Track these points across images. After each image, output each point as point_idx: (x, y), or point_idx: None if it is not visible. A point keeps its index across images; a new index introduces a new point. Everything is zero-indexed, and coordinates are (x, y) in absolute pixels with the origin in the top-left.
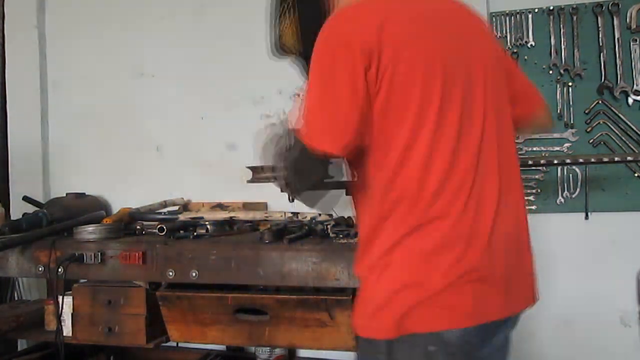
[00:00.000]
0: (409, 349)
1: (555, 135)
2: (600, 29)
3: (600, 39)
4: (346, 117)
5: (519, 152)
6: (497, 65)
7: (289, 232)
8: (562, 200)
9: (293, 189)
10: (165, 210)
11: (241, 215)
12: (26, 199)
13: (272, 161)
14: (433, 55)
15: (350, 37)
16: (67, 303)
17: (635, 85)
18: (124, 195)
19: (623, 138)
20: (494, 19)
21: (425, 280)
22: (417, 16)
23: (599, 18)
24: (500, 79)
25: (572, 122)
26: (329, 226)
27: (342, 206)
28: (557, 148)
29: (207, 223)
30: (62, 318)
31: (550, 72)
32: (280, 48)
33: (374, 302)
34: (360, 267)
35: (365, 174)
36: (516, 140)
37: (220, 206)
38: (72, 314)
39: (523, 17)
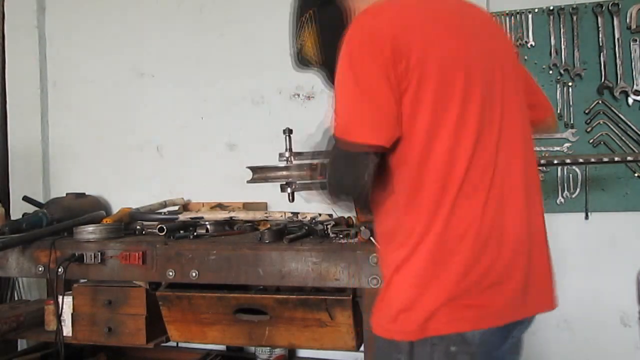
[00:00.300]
0: (431, 349)
1: (555, 135)
2: (600, 29)
3: (600, 39)
4: (388, 109)
5: None
6: (515, 67)
7: (289, 232)
8: (562, 200)
9: (336, 199)
10: (165, 210)
11: (241, 215)
12: (26, 199)
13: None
14: (456, 55)
15: (379, 32)
16: (67, 303)
17: (635, 85)
18: (124, 195)
19: (623, 138)
20: (494, 19)
21: (449, 282)
22: (440, 17)
23: (599, 18)
24: (518, 80)
25: (572, 122)
26: (329, 226)
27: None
28: (557, 148)
29: (207, 223)
30: (62, 318)
31: (550, 72)
32: (302, 60)
33: (397, 304)
34: (385, 266)
35: (386, 170)
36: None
37: (220, 206)
38: (72, 314)
39: (523, 17)
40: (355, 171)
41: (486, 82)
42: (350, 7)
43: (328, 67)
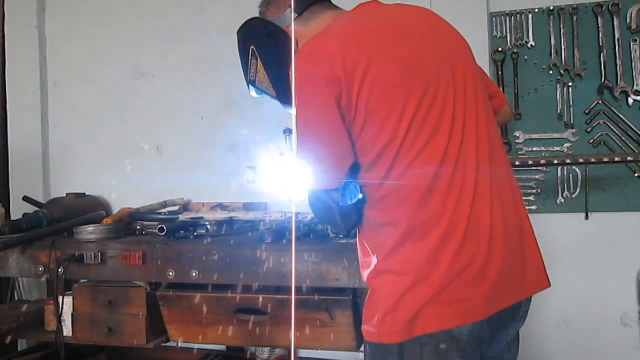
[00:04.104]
0: (420, 349)
1: (555, 135)
2: (600, 29)
3: (600, 39)
4: (339, 149)
5: (520, 153)
6: (471, 62)
7: (289, 232)
8: (562, 200)
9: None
10: (165, 210)
11: (241, 215)
12: (26, 199)
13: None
14: (407, 65)
15: (313, 73)
16: (67, 303)
17: (635, 85)
18: (124, 195)
19: (623, 138)
20: (494, 19)
21: (430, 279)
22: (380, 30)
23: (599, 18)
24: (476, 74)
25: (572, 122)
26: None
27: None
28: (557, 148)
29: (207, 223)
30: (62, 318)
31: (550, 72)
32: (258, 90)
33: (382, 307)
34: (365, 273)
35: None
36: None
37: (220, 206)
38: (72, 314)
39: (523, 17)
40: (328, 215)
41: (441, 83)
42: (293, 35)
43: (282, 95)
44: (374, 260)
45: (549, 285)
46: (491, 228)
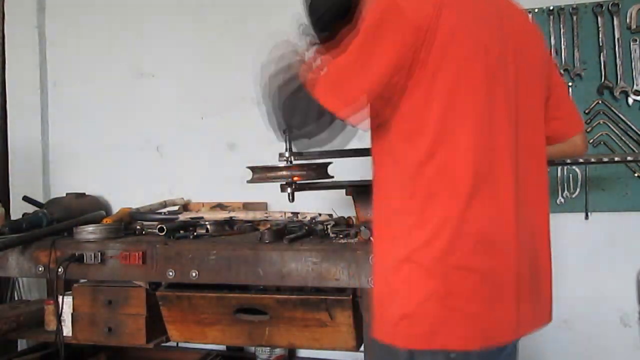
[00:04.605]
0: (431, 357)
1: None
2: (600, 29)
3: (600, 39)
4: (361, 90)
5: None
6: (539, 72)
7: (289, 232)
8: (562, 200)
9: (277, 125)
10: (165, 210)
11: (241, 215)
12: (26, 199)
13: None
14: (483, 48)
15: (407, 8)
16: (67, 303)
17: (635, 85)
18: (124, 195)
19: (623, 138)
20: None
21: (454, 293)
22: (474, 5)
23: (599, 18)
24: (540, 86)
25: None
26: (329, 226)
27: (342, 205)
28: None
29: (207, 223)
30: (62, 318)
31: None
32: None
33: (400, 309)
34: (385, 260)
35: (393, 150)
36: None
37: (220, 206)
38: (72, 314)
39: None
40: (309, 116)
41: (508, 82)
42: None
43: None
44: (396, 249)
45: (551, 320)
46: (520, 247)
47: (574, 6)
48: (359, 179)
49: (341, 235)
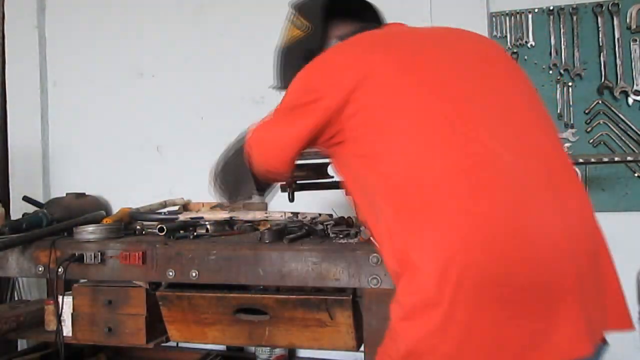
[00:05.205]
0: None
1: None
2: (600, 29)
3: (600, 39)
4: (290, 144)
5: None
6: (512, 73)
7: (289, 232)
8: None
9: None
10: (165, 210)
11: (241, 215)
12: (26, 199)
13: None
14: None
15: (320, 85)
16: (67, 303)
17: (635, 85)
18: (124, 195)
19: (623, 138)
20: (494, 19)
21: (468, 324)
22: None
23: (599, 18)
24: (517, 85)
25: (572, 122)
26: (329, 226)
27: (342, 206)
28: None
29: (207, 223)
30: (62, 318)
31: (550, 72)
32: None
33: (404, 345)
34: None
35: (356, 176)
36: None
37: (221, 206)
38: (72, 314)
39: (523, 17)
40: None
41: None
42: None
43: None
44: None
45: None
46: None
47: (574, 6)
48: None
49: (341, 235)
